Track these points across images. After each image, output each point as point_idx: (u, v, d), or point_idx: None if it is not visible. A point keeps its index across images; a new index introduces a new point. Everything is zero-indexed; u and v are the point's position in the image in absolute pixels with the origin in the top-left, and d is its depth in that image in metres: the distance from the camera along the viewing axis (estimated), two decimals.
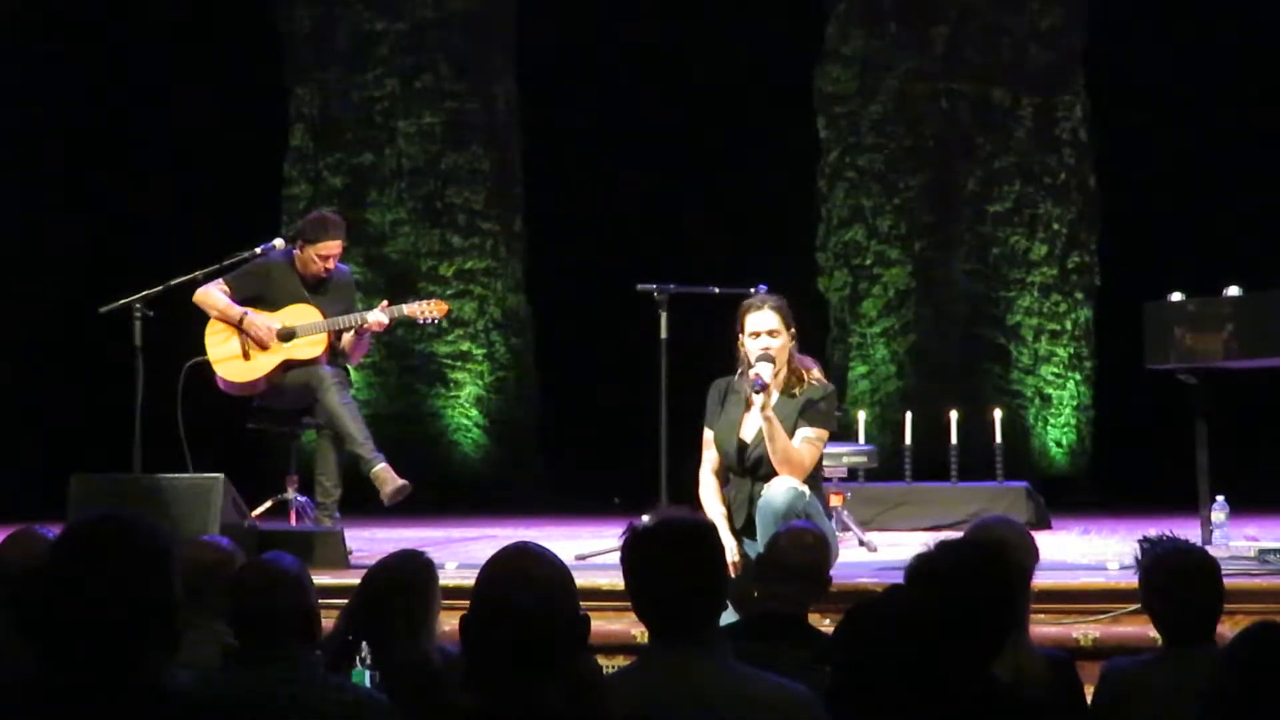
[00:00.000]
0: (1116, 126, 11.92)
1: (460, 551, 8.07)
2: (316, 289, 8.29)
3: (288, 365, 8.21)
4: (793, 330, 6.67)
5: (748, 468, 6.60)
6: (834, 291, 12.27)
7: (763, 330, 6.61)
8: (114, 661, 2.72)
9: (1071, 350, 12.02)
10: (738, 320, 6.71)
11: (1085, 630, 6.17)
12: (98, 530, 2.83)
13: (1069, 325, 12.03)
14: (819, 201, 12.35)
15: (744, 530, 6.54)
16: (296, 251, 8.28)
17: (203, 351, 8.28)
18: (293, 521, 8.47)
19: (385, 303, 8.37)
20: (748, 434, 6.64)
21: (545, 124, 12.78)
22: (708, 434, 6.76)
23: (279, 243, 8.39)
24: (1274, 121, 11.42)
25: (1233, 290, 7.53)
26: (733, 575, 6.36)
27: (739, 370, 6.70)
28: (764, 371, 6.48)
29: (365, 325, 8.18)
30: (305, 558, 4.28)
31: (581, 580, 2.90)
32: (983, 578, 3.56)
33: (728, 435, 6.67)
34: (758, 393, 6.44)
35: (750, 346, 6.61)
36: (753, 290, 7.48)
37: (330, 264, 8.27)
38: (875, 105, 12.28)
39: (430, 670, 4.30)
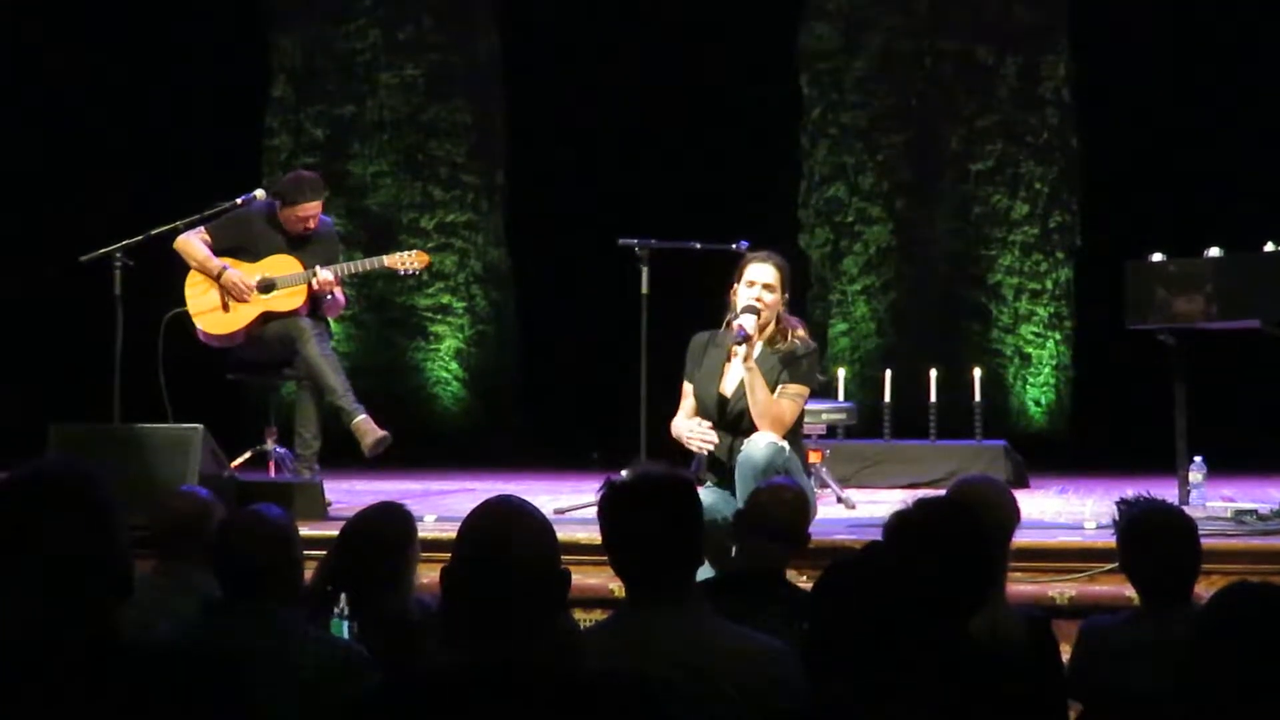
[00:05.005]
0: (1099, 86, 11.89)
1: (439, 504, 8.07)
2: (299, 243, 8.25)
3: (267, 317, 8.17)
4: (787, 295, 6.70)
5: (729, 421, 6.62)
6: (815, 249, 12.24)
7: (759, 281, 6.62)
8: (63, 611, 2.67)
9: (1052, 309, 12.01)
10: (737, 270, 6.71)
11: (1062, 589, 6.19)
12: (30, 482, 2.77)
13: (1049, 284, 12.02)
14: (801, 158, 12.32)
15: (723, 484, 6.55)
16: (279, 207, 8.24)
17: (183, 302, 8.25)
18: (271, 473, 8.46)
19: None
20: (728, 387, 6.65)
21: (528, 77, 12.73)
22: (687, 386, 6.78)
23: (260, 193, 8.35)
24: (1257, 82, 11.40)
25: (1213, 251, 7.54)
26: (712, 447, 6.43)
27: (725, 320, 6.71)
28: (747, 323, 6.49)
29: (318, 283, 8.12)
30: (284, 509, 4.28)
31: (560, 534, 2.89)
32: (961, 536, 3.57)
33: (707, 388, 6.68)
34: (739, 344, 6.46)
35: (743, 294, 6.61)
36: (734, 246, 7.49)
37: (310, 224, 8.22)
38: (859, 62, 12.23)
39: (408, 623, 4.31)
